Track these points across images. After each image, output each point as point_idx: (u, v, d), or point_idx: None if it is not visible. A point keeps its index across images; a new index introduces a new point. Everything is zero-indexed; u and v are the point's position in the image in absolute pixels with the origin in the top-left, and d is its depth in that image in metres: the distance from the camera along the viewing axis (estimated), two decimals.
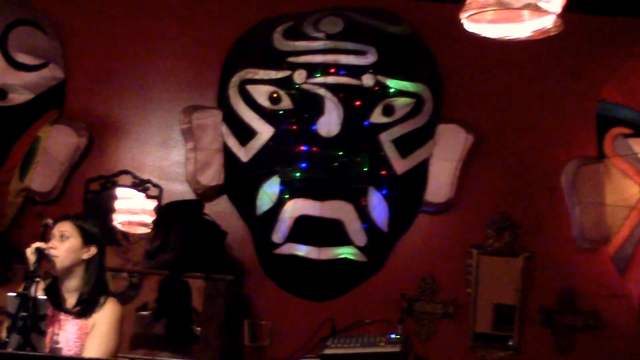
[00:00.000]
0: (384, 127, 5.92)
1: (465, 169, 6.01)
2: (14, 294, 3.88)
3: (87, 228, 4.26)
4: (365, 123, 5.93)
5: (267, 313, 5.69)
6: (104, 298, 4.24)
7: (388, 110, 5.91)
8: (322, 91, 5.89)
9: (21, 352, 3.68)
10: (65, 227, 4.23)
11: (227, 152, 6.02)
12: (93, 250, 4.25)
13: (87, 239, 4.24)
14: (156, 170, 6.14)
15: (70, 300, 4.22)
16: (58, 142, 6.13)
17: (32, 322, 3.85)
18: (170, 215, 5.70)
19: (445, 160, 5.98)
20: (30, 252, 4.08)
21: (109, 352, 4.14)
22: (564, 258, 5.98)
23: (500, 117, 6.15)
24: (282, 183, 5.90)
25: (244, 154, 5.98)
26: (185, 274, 5.42)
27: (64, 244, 4.19)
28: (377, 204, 5.91)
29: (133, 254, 6.00)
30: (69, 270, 4.20)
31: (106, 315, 4.20)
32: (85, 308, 4.18)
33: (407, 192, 5.99)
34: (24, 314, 3.82)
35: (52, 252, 4.14)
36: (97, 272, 4.24)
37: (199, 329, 5.42)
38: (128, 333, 5.24)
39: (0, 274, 5.79)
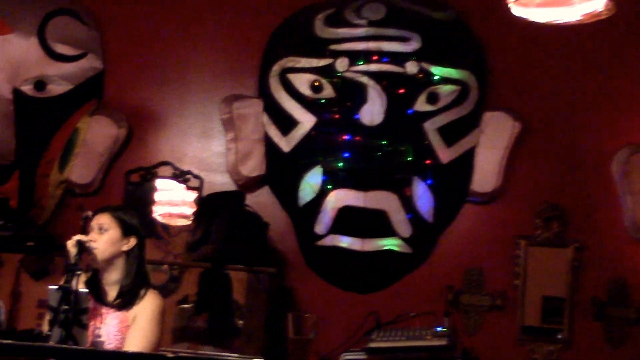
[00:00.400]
0: (429, 115, 5.89)
1: (512, 158, 5.96)
2: (56, 287, 3.91)
3: (126, 219, 4.28)
4: (409, 111, 5.90)
5: (310, 306, 5.69)
6: (145, 290, 4.26)
7: (432, 98, 5.88)
8: (364, 79, 5.87)
9: (63, 346, 3.71)
10: (104, 219, 4.25)
11: (269, 142, 6.02)
12: (133, 241, 4.27)
13: (127, 230, 4.26)
14: (196, 161, 6.16)
15: (111, 293, 4.25)
16: (97, 134, 6.17)
17: (74, 316, 3.88)
18: (211, 206, 5.72)
19: (491, 148, 5.93)
20: (71, 245, 4.10)
21: (151, 346, 4.15)
22: (615, 248, 5.91)
23: (548, 103, 6.08)
24: (324, 173, 5.89)
25: (285, 144, 5.98)
26: (227, 266, 5.43)
27: (103, 236, 4.21)
28: (422, 194, 5.88)
29: (174, 247, 6.03)
30: (109, 263, 4.23)
31: (147, 307, 4.22)
32: (126, 300, 4.21)
33: (453, 181, 5.96)
34: (66, 307, 3.85)
35: (92, 244, 4.16)
36: (137, 264, 4.26)
37: (241, 322, 5.44)
38: (169, 326, 5.27)
39: (40, 267, 5.85)
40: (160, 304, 4.28)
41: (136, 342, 4.12)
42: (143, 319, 4.19)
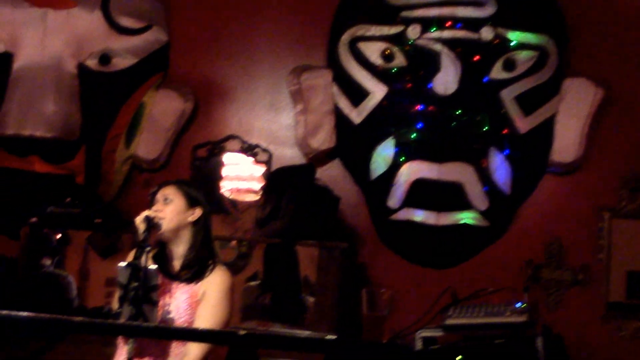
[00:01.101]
0: (505, 83, 5.84)
1: (594, 126, 5.88)
2: (125, 264, 3.98)
3: (190, 191, 4.34)
4: (485, 79, 5.85)
5: (383, 282, 5.70)
6: (213, 265, 4.30)
7: (509, 65, 5.82)
8: (438, 46, 5.84)
9: (134, 323, 3.77)
10: (168, 191, 4.31)
11: (339, 114, 6.03)
12: (198, 212, 4.32)
13: (191, 201, 4.31)
14: (265, 134, 6.20)
15: (179, 266, 4.30)
16: (163, 108, 6.24)
17: (144, 293, 3.95)
18: (280, 181, 5.75)
19: (572, 116, 5.86)
20: (139, 221, 4.16)
21: (221, 323, 4.19)
22: None
23: (632, 69, 5.97)
24: (397, 145, 5.89)
25: (356, 115, 5.98)
26: (297, 242, 5.46)
27: (168, 207, 4.27)
28: (499, 165, 5.84)
29: (242, 223, 6.07)
30: (175, 234, 4.27)
31: (216, 283, 4.26)
32: (193, 272, 4.25)
33: (532, 151, 5.90)
34: (135, 284, 3.92)
35: (158, 214, 4.22)
36: (203, 235, 4.31)
37: (312, 299, 5.47)
38: (238, 304, 5.32)
39: (108, 244, 5.94)
40: (230, 280, 4.32)
41: (206, 319, 4.17)
42: (213, 295, 4.23)
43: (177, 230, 4.28)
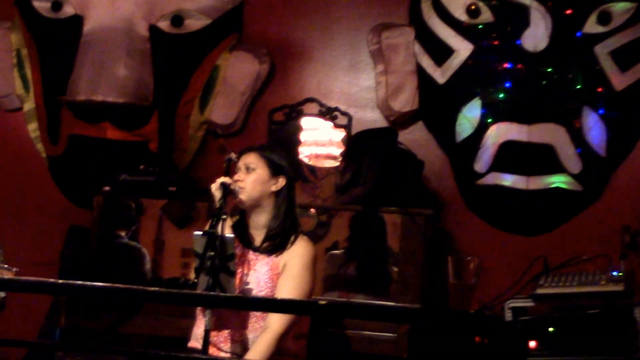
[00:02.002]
0: (600, 37, 5.75)
1: None
2: (200, 233, 4.04)
3: (274, 158, 4.35)
4: (578, 34, 5.77)
5: (470, 250, 5.68)
6: (295, 235, 4.33)
7: (604, 18, 5.72)
8: (526, 0, 5.77)
9: (211, 294, 3.82)
10: (251, 159, 4.33)
11: (422, 74, 6.01)
12: (281, 181, 4.33)
13: (275, 170, 4.32)
14: (344, 97, 6.20)
15: (259, 238, 4.34)
16: (238, 70, 6.28)
17: (221, 262, 4.00)
18: (361, 145, 5.74)
19: None
20: (215, 188, 4.21)
21: (303, 294, 4.22)
22: None
23: None
24: (484, 106, 5.84)
25: (440, 75, 5.95)
26: (379, 209, 5.47)
27: (250, 176, 4.29)
28: (593, 126, 5.76)
29: (321, 190, 6.09)
30: (256, 204, 4.30)
31: (298, 254, 4.29)
32: (275, 245, 4.28)
33: (628, 110, 5.81)
34: (212, 253, 3.97)
35: (239, 184, 4.25)
36: (286, 206, 4.33)
37: (395, 268, 5.48)
38: (320, 274, 5.36)
39: (183, 213, 6.00)
40: (312, 251, 4.35)
41: (288, 291, 4.19)
42: (294, 266, 4.26)
43: (258, 200, 4.30)
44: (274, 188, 4.31)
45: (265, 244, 4.30)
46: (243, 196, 4.26)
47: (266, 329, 4.14)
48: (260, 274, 4.26)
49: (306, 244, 4.33)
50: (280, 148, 4.69)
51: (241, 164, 4.33)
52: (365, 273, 5.54)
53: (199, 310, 4.27)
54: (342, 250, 5.67)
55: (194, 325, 4.33)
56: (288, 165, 4.42)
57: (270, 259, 4.28)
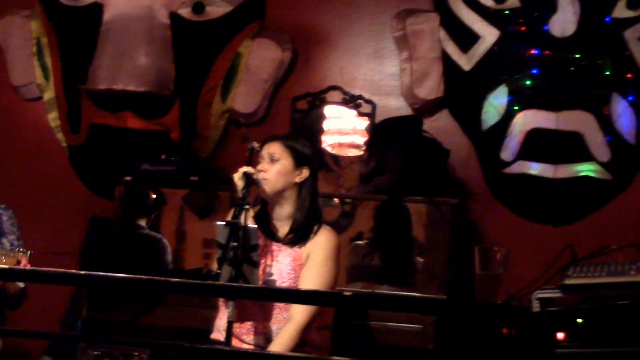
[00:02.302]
0: (630, 22, 5.72)
1: None
2: (223, 223, 4.04)
3: (298, 148, 4.34)
4: (607, 19, 5.74)
5: (497, 240, 5.68)
6: (318, 226, 4.33)
7: (634, 2, 5.69)
8: None
9: (234, 285, 3.83)
10: (275, 148, 4.32)
11: (447, 61, 5.99)
12: (305, 172, 4.33)
13: (299, 161, 4.32)
14: (368, 84, 6.19)
15: (283, 228, 4.34)
16: (260, 58, 6.28)
17: (243, 253, 4.00)
18: (385, 133, 5.74)
19: None
20: (237, 178, 4.21)
21: (326, 285, 4.22)
22: None
23: None
24: (510, 93, 5.82)
25: (465, 62, 5.93)
26: (404, 198, 5.46)
27: (274, 166, 4.29)
28: (623, 113, 5.73)
29: (345, 180, 6.09)
30: (280, 196, 4.31)
31: (322, 245, 4.28)
32: (299, 236, 4.29)
33: None
34: (234, 244, 3.98)
35: (262, 175, 4.25)
36: (310, 197, 4.33)
37: (421, 259, 5.47)
38: (344, 265, 5.36)
39: (205, 203, 6.01)
40: (336, 241, 4.34)
41: (311, 282, 4.19)
42: (318, 257, 4.26)
43: (282, 191, 4.30)
44: (297, 179, 4.31)
45: (289, 236, 4.30)
46: (267, 187, 4.26)
47: (289, 321, 4.14)
48: (283, 265, 4.26)
49: (329, 234, 4.33)
50: (304, 137, 4.67)
51: (265, 153, 4.32)
52: (389, 264, 5.54)
53: (221, 301, 4.27)
54: (367, 241, 5.67)
55: (217, 316, 4.34)
56: (312, 154, 4.42)
57: (293, 249, 4.28)
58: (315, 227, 4.31)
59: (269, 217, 4.36)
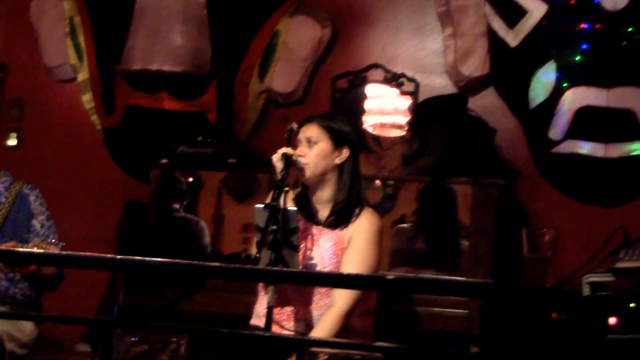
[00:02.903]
0: None
1: None
2: (262, 206, 4.04)
3: (336, 128, 4.32)
4: None
5: (545, 222, 5.63)
6: (360, 208, 4.32)
7: None
8: None
9: (274, 269, 3.83)
10: (312, 131, 4.31)
11: (492, 37, 5.94)
12: (345, 152, 4.31)
13: (338, 141, 4.30)
14: (410, 62, 6.16)
15: (323, 211, 4.34)
16: (299, 36, 6.27)
17: (283, 236, 4.00)
18: (429, 113, 5.72)
19: None
20: (276, 159, 4.21)
21: (369, 269, 4.21)
22: None
23: None
24: (559, 69, 5.77)
25: (512, 38, 5.89)
26: (449, 179, 5.44)
27: (313, 150, 4.27)
28: None
29: (387, 161, 6.07)
30: (320, 179, 4.30)
31: (364, 228, 4.27)
32: (340, 219, 4.28)
33: None
34: (274, 227, 3.98)
35: (301, 160, 4.24)
36: (351, 178, 4.32)
37: (466, 242, 5.46)
38: (387, 249, 5.36)
39: (243, 186, 6.02)
40: (378, 224, 4.33)
41: (353, 266, 4.19)
42: (360, 240, 4.25)
43: (323, 175, 4.29)
44: (337, 160, 4.29)
45: (330, 218, 4.29)
46: (307, 172, 4.25)
47: (331, 307, 4.14)
48: (324, 250, 4.26)
49: (371, 217, 4.32)
50: (342, 114, 4.63)
51: (302, 136, 4.30)
52: (434, 247, 5.53)
53: (260, 286, 4.28)
54: (410, 224, 5.67)
55: (256, 302, 4.35)
56: (351, 132, 4.40)
57: (334, 233, 4.28)
58: (357, 210, 4.30)
59: (309, 200, 4.36)
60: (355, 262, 4.20)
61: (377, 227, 4.30)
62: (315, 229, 4.32)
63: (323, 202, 4.34)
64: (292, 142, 4.37)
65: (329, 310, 4.14)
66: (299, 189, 4.41)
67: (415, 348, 2.66)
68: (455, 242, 5.49)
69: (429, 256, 5.53)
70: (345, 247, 4.25)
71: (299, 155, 4.25)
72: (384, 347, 2.63)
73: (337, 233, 4.29)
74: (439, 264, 5.49)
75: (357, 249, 4.23)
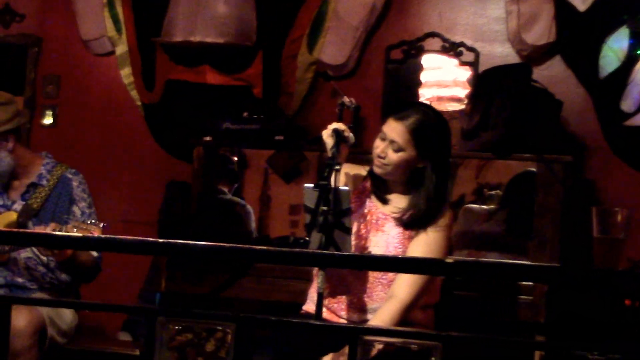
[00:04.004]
0: None
1: None
2: (312, 185, 4.02)
3: (425, 138, 4.21)
4: None
5: (617, 200, 5.61)
6: (442, 211, 4.25)
7: None
8: None
9: (324, 252, 3.82)
10: (398, 135, 4.20)
11: (559, 1, 5.90)
12: (429, 164, 4.25)
13: (424, 153, 4.25)
14: (470, 30, 6.14)
15: (396, 200, 4.28)
16: (350, 3, 6.26)
17: (335, 218, 3.99)
18: (490, 84, 5.69)
19: None
20: (326, 136, 4.19)
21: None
22: None
23: None
24: (632, 35, 5.73)
25: (581, 1, 5.84)
26: (512, 156, 5.42)
27: (395, 154, 4.20)
28: None
29: None
30: (398, 179, 4.28)
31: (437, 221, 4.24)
32: (416, 222, 4.23)
33: None
34: (325, 208, 3.96)
35: (380, 160, 4.20)
36: (436, 182, 4.21)
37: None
38: (458, 228, 5.37)
39: (291, 166, 6.03)
40: (449, 214, 4.29)
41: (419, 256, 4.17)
42: (429, 230, 4.22)
43: (401, 176, 4.27)
44: (420, 165, 4.24)
45: (403, 217, 4.24)
46: (380, 170, 4.22)
47: (392, 298, 4.11)
48: (390, 237, 4.23)
49: (447, 212, 4.28)
50: (434, 123, 4.42)
51: (387, 132, 4.22)
52: (503, 229, 5.51)
53: (315, 271, 4.27)
54: (479, 205, 5.66)
55: (311, 286, 4.35)
56: (442, 145, 4.29)
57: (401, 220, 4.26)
58: (438, 213, 4.24)
59: (381, 181, 4.32)
60: (423, 252, 4.15)
61: (449, 219, 4.28)
62: (381, 213, 4.30)
63: (397, 190, 4.30)
64: (343, 116, 4.35)
65: (388, 301, 4.11)
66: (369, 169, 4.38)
67: (476, 336, 2.65)
68: (529, 223, 5.46)
69: (494, 238, 5.51)
70: (413, 236, 4.22)
71: (379, 155, 4.19)
72: (442, 335, 2.62)
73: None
74: (505, 247, 5.46)
75: (425, 240, 4.19)
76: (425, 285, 4.13)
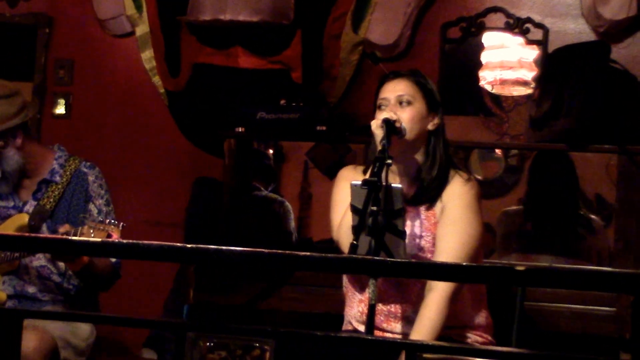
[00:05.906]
0: None
1: None
2: (359, 183, 4.00)
3: (432, 89, 4.32)
4: None
5: None
6: (452, 172, 4.27)
7: None
8: None
9: (376, 259, 3.78)
10: (404, 88, 4.27)
11: None
12: (437, 119, 4.28)
13: (432, 104, 4.28)
14: (538, 4, 6.12)
15: (408, 187, 4.29)
16: None
17: (386, 219, 3.96)
18: (562, 66, 5.65)
19: None
20: (375, 126, 4.17)
21: (469, 240, 4.14)
22: None
23: None
24: None
25: None
26: (588, 147, 5.37)
27: (405, 111, 4.23)
28: None
29: (510, 126, 6.08)
30: (410, 147, 4.26)
31: (457, 193, 4.23)
32: (429, 198, 4.24)
33: None
34: (374, 208, 3.93)
35: (404, 124, 4.21)
36: (442, 149, 4.27)
37: (599, 220, 5.41)
38: (499, 233, 5.34)
39: (336, 159, 6.02)
40: (474, 187, 4.28)
41: (451, 240, 4.15)
42: (454, 208, 4.22)
43: (414, 142, 4.26)
44: (430, 127, 4.27)
45: (417, 198, 4.25)
46: (406, 131, 4.23)
47: (431, 291, 4.10)
48: (415, 228, 4.23)
49: (466, 180, 4.27)
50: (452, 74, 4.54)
51: (389, 95, 4.27)
52: (546, 229, 5.49)
53: (348, 286, 4.28)
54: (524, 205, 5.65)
55: (346, 305, 4.34)
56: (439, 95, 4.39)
57: (423, 207, 4.25)
58: (450, 174, 4.26)
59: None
60: (452, 235, 4.16)
61: (474, 190, 4.26)
62: (409, 207, 4.29)
63: (409, 174, 4.29)
64: (376, 102, 4.35)
65: (429, 295, 4.09)
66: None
67: (548, 354, 2.61)
68: (576, 223, 5.44)
69: (543, 239, 5.48)
70: (438, 221, 4.22)
71: (398, 120, 4.20)
72: (507, 352, 2.58)
73: (428, 208, 4.26)
74: (554, 248, 5.43)
75: (452, 219, 4.19)
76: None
